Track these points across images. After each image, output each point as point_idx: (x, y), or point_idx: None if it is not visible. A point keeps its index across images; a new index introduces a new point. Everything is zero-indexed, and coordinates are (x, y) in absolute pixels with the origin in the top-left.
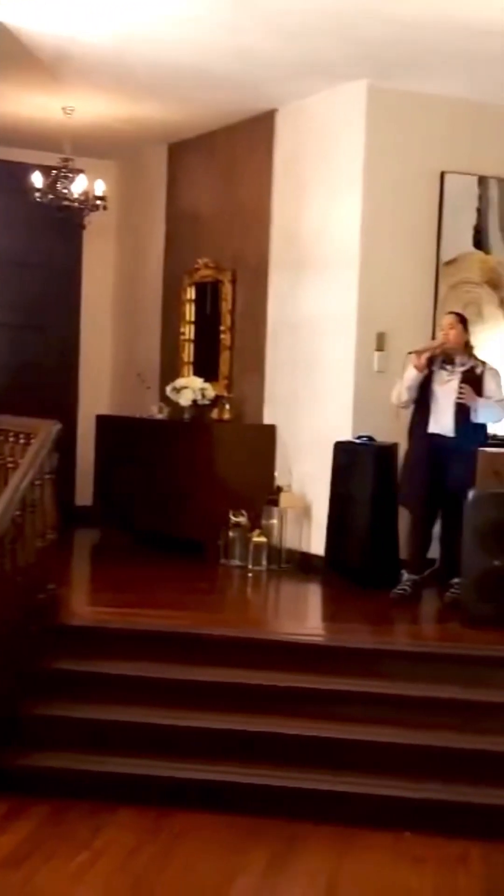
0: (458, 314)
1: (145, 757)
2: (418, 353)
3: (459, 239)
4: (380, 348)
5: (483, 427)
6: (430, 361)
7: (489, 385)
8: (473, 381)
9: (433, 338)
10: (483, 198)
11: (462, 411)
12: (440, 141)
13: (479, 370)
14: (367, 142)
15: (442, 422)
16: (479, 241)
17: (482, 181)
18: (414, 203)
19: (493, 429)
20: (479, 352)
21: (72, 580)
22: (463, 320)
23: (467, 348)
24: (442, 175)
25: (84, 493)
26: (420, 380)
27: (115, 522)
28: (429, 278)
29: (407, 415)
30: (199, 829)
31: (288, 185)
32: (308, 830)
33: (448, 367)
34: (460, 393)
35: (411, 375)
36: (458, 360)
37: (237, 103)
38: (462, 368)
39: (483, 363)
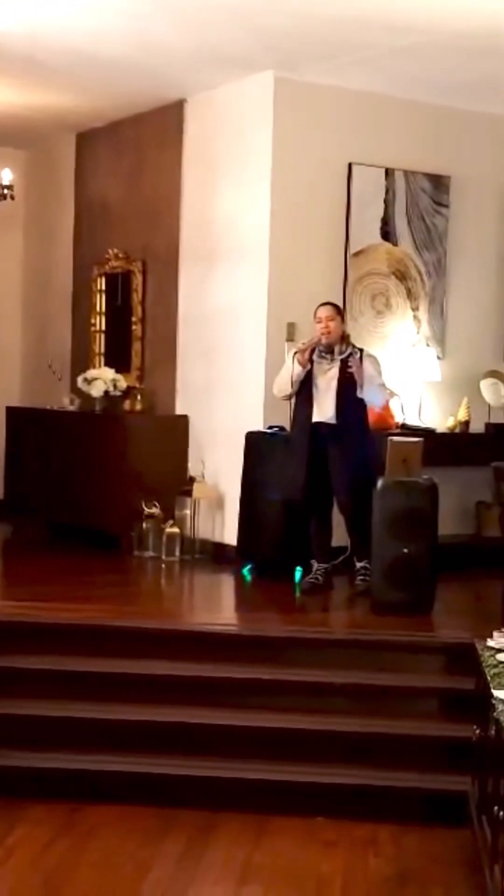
0: (334, 305)
1: (58, 751)
2: (302, 351)
3: (367, 230)
4: (290, 338)
5: (364, 413)
6: (310, 352)
7: (368, 370)
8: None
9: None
10: (390, 190)
11: (343, 398)
12: (348, 133)
13: (357, 356)
14: (276, 133)
15: (324, 409)
16: (387, 232)
17: (389, 173)
18: (322, 194)
19: (400, 418)
20: (356, 340)
21: None
22: (339, 310)
23: (344, 337)
24: (349, 167)
25: None
26: (304, 374)
27: (27, 516)
28: (338, 269)
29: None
30: (113, 822)
31: (198, 176)
32: (221, 819)
33: (327, 356)
34: (348, 368)
35: (297, 371)
36: (336, 348)
37: (145, 93)
38: (341, 356)
39: (360, 350)
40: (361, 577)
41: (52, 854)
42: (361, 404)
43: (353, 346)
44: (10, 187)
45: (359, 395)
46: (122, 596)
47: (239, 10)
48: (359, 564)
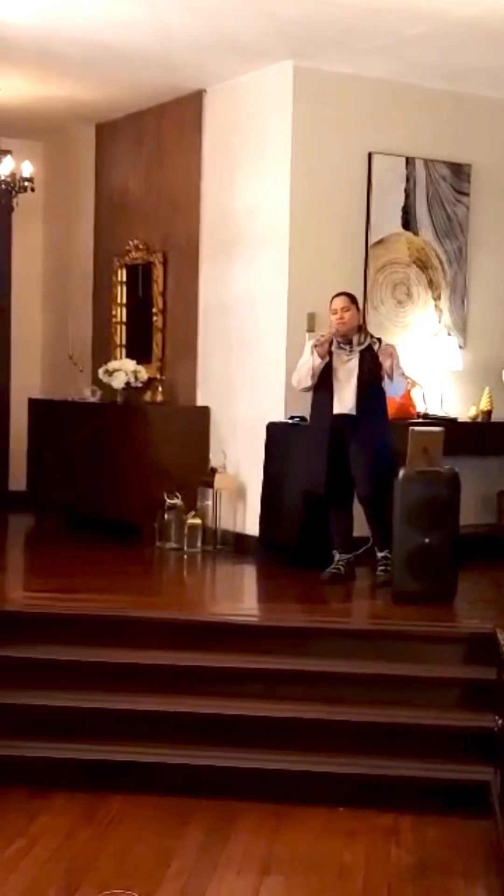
0: (348, 294)
1: (81, 741)
2: (321, 344)
3: (387, 220)
4: (311, 329)
5: (384, 403)
6: (329, 344)
7: (389, 361)
8: (372, 357)
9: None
10: (410, 178)
11: (364, 389)
12: (367, 122)
13: (376, 347)
14: (295, 123)
15: (345, 401)
16: (407, 221)
17: (409, 162)
18: (342, 184)
19: (422, 408)
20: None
21: (6, 565)
22: (354, 300)
23: (361, 326)
24: (370, 156)
25: (17, 478)
26: (323, 365)
27: (49, 507)
28: (358, 259)
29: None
30: (135, 812)
31: (217, 166)
32: (243, 809)
33: (346, 346)
34: (381, 357)
35: (316, 363)
36: (355, 339)
37: (163, 84)
38: (360, 347)
39: (378, 339)
40: (383, 567)
41: (73, 844)
42: (381, 394)
43: (371, 336)
44: (30, 179)
45: (385, 387)
46: (144, 587)
47: None
48: (380, 554)
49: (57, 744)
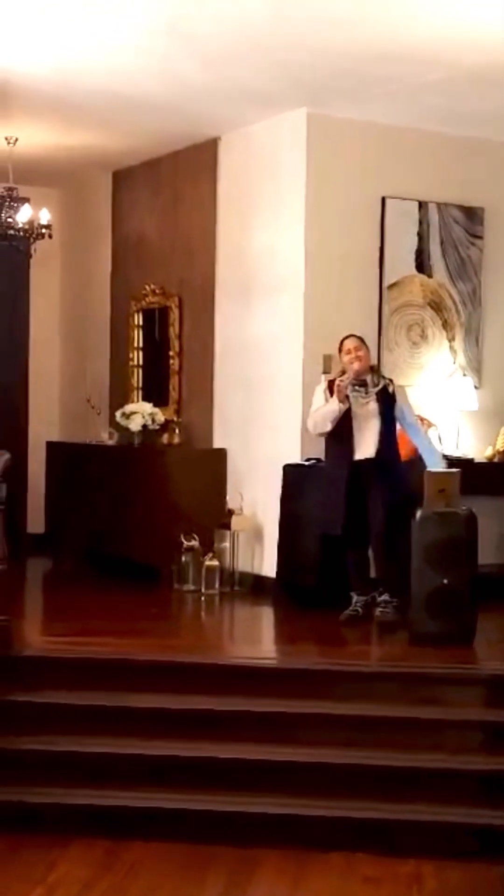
0: (359, 337)
1: (99, 787)
2: (340, 387)
3: (401, 262)
4: (326, 371)
5: (398, 444)
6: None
7: (402, 401)
8: (388, 399)
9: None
10: (424, 222)
11: (383, 433)
12: (381, 167)
13: (391, 388)
14: (309, 168)
15: (366, 446)
16: (421, 264)
17: (422, 206)
18: (356, 228)
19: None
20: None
21: (24, 609)
22: (364, 342)
23: (373, 367)
24: (383, 200)
25: (36, 521)
26: (343, 411)
27: (67, 550)
28: (373, 301)
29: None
30: (154, 859)
31: (232, 211)
32: (262, 855)
33: (361, 389)
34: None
35: (338, 409)
36: (369, 380)
37: (178, 131)
38: (376, 389)
39: (390, 381)
40: (382, 609)
41: (93, 893)
42: (396, 435)
43: (384, 377)
44: (48, 226)
45: (411, 438)
46: (162, 630)
47: (264, 48)
48: (380, 598)
49: (74, 790)
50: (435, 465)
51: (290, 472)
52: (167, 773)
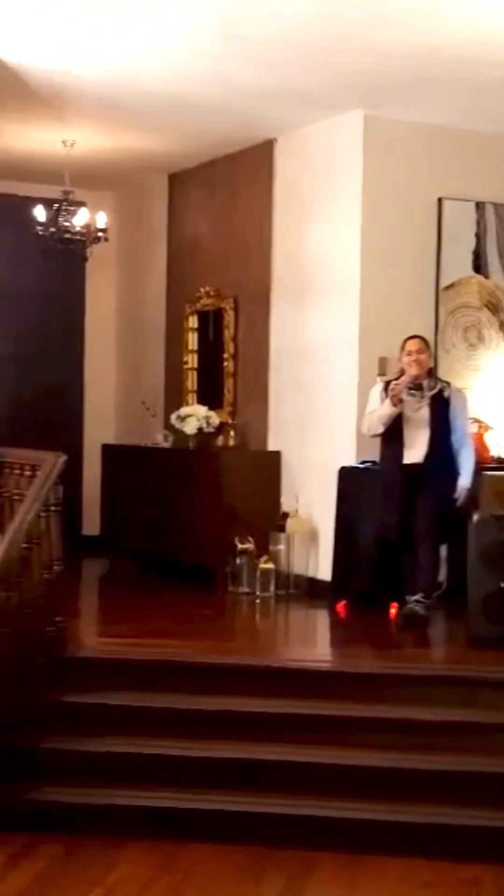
0: (422, 338)
1: (156, 789)
2: (397, 391)
3: (458, 264)
4: (382, 373)
5: (449, 451)
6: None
7: (456, 407)
8: (442, 404)
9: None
10: (481, 223)
11: (435, 437)
12: (437, 168)
13: (446, 393)
14: (366, 170)
15: (416, 451)
16: (478, 265)
17: (479, 206)
18: (413, 229)
19: (496, 452)
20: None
21: (80, 611)
22: (427, 344)
23: (431, 371)
24: (440, 201)
25: (91, 523)
26: (396, 413)
27: (122, 551)
28: (429, 303)
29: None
30: (212, 862)
31: (288, 213)
32: (320, 858)
33: (416, 392)
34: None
35: (389, 411)
36: (425, 384)
37: (234, 133)
38: (431, 393)
39: (448, 384)
40: (413, 605)
41: (151, 894)
42: (448, 441)
43: (440, 380)
44: (104, 230)
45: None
46: (217, 632)
47: (318, 49)
48: (412, 598)
49: (131, 791)
50: (464, 482)
51: (346, 474)
52: (223, 774)
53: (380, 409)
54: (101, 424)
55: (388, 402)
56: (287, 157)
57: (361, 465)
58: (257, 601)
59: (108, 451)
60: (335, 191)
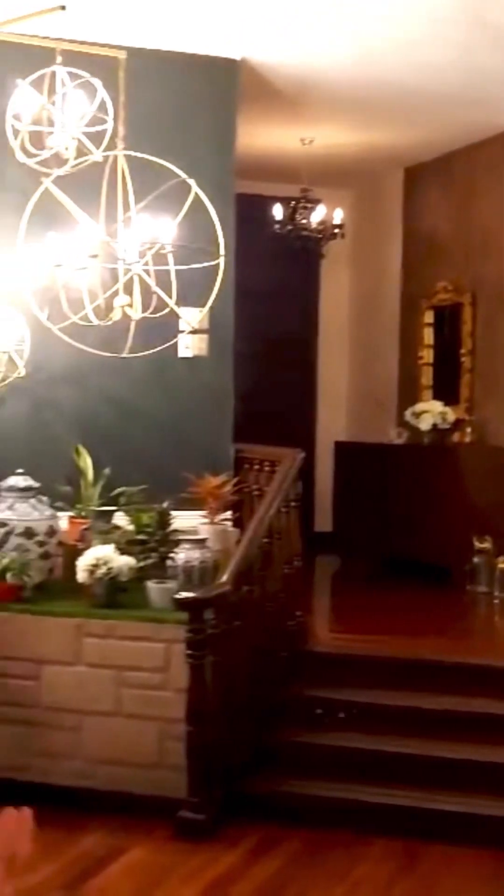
0: None
1: (400, 787)
2: None
3: None
4: None
5: None
6: None
7: None
8: None
9: None
10: None
11: None
12: None
13: None
14: None
15: None
16: None
17: None
18: None
19: None
20: None
21: (315, 607)
22: None
23: None
24: None
25: (323, 520)
26: None
27: (355, 548)
28: None
29: None
30: (457, 865)
31: None
32: None
33: None
34: None
35: None
36: None
37: (474, 124)
38: None
39: None
40: None
41: (395, 894)
42: None
43: None
44: (341, 226)
45: None
46: (454, 631)
47: None
48: None
49: (373, 789)
50: None
51: None
52: (467, 776)
53: None
54: (333, 421)
55: None
56: None
57: None
58: (495, 601)
59: (341, 447)
60: None
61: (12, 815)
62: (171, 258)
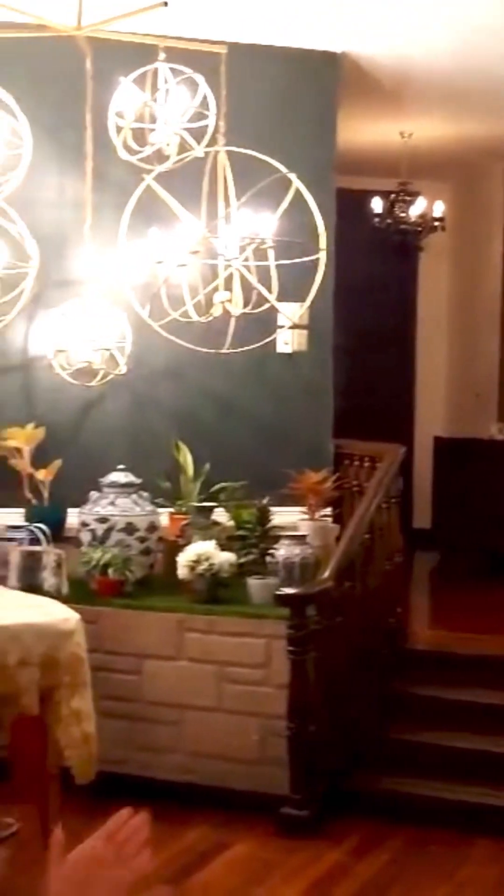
0: None
1: (498, 788)
2: None
3: None
4: None
5: None
6: None
7: None
8: None
9: None
10: None
11: None
12: None
13: None
14: None
15: None
16: None
17: None
18: None
19: None
20: None
21: (414, 603)
22: None
23: None
24: None
25: (422, 516)
26: None
27: (455, 545)
28: None
29: None
30: None
31: None
32: None
33: None
34: None
35: None
36: None
37: None
38: None
39: None
40: None
41: None
42: None
43: None
44: (441, 220)
45: None
46: None
47: None
48: None
49: (479, 789)
50: None
51: None
52: None
53: None
54: (432, 416)
55: None
56: None
57: None
58: None
59: (439, 443)
60: None
61: (128, 818)
62: (271, 254)
